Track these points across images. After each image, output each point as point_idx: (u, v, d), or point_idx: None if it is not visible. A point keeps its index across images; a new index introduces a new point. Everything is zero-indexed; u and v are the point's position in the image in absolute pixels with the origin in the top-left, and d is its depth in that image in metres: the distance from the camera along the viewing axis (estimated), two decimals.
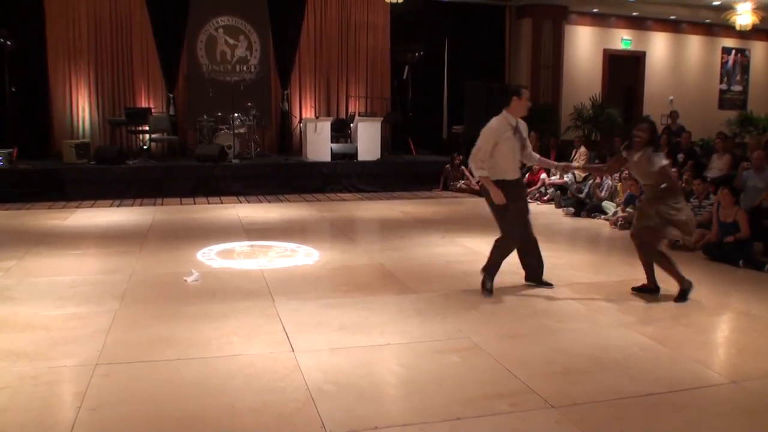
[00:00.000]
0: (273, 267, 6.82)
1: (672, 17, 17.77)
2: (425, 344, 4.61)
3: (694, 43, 18.50)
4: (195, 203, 11.39)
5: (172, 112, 14.22)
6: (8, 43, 12.27)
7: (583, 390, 3.89)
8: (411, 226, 9.34)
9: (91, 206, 10.91)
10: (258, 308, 5.36)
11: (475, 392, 3.84)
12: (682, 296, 5.71)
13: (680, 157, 11.18)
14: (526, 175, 12.35)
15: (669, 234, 5.87)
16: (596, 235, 9.23)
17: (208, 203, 11.39)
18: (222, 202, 11.45)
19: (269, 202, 11.65)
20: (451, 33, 16.03)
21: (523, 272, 6.22)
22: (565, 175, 11.56)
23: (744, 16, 14.65)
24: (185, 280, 6.17)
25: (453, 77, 15.90)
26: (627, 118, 17.31)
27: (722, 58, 18.94)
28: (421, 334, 4.84)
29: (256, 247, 7.76)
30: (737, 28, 15.09)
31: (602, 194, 10.53)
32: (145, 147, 13.59)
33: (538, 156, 6.30)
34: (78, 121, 14.00)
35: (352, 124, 14.24)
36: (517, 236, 5.87)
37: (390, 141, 15.15)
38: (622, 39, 17.65)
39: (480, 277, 5.89)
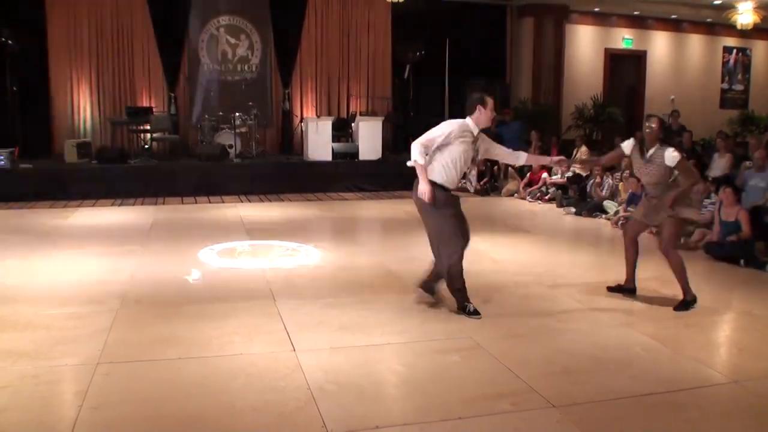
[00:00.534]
0: (274, 266, 6.82)
1: (673, 16, 17.76)
2: (426, 344, 4.61)
3: (696, 42, 18.48)
4: (196, 202, 11.39)
5: (173, 111, 14.22)
6: (10, 42, 12.29)
7: (584, 390, 3.89)
8: (412, 226, 9.30)
9: (93, 205, 10.91)
10: (259, 307, 5.37)
11: (475, 392, 3.84)
12: (685, 305, 5.57)
13: None
14: (527, 175, 12.37)
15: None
16: (597, 235, 9.23)
17: (210, 202, 11.39)
18: (223, 202, 11.45)
19: (270, 201, 11.65)
20: (452, 32, 16.01)
21: (523, 273, 6.22)
22: (565, 174, 11.55)
23: (745, 15, 14.63)
24: (186, 279, 6.17)
25: (454, 77, 15.87)
26: (628, 117, 17.31)
27: (723, 57, 18.93)
28: (422, 333, 4.84)
29: (258, 247, 7.76)
30: (738, 27, 15.07)
31: (603, 193, 10.53)
32: (146, 146, 13.59)
33: (526, 154, 5.75)
34: (79, 120, 14.01)
35: (353, 124, 14.23)
36: (457, 241, 5.18)
37: (391, 140, 15.15)
38: (624, 38, 17.64)
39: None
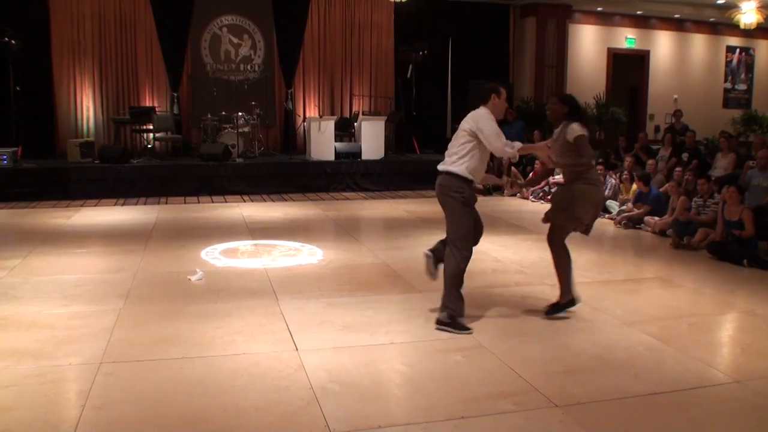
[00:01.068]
0: (277, 266, 6.83)
1: (676, 16, 17.74)
2: (429, 343, 4.61)
3: (699, 41, 18.46)
4: (199, 202, 11.40)
5: (176, 111, 14.23)
6: (13, 42, 12.30)
7: (587, 389, 3.89)
8: (415, 226, 9.33)
9: (96, 205, 10.93)
10: (262, 307, 5.37)
11: (478, 391, 3.84)
12: (556, 308, 5.24)
13: (684, 156, 11.18)
14: (530, 175, 12.35)
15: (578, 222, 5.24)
16: (600, 234, 9.21)
17: (212, 202, 11.40)
18: (226, 201, 11.46)
19: (273, 201, 11.65)
20: (455, 32, 16.03)
21: (526, 272, 6.21)
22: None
23: (748, 15, 14.60)
24: (189, 279, 6.18)
25: (457, 76, 15.89)
26: (631, 117, 17.30)
27: (726, 56, 18.90)
28: (425, 333, 4.84)
29: (260, 246, 7.77)
30: (741, 26, 15.04)
31: (606, 193, 10.52)
32: (149, 146, 13.62)
33: (519, 143, 5.32)
34: (82, 120, 14.02)
35: (356, 123, 14.25)
36: (469, 244, 5.05)
37: (394, 140, 15.15)
38: (626, 38, 17.62)
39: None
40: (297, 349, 4.44)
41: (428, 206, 11.07)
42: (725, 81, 18.96)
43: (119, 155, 12.21)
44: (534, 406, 3.67)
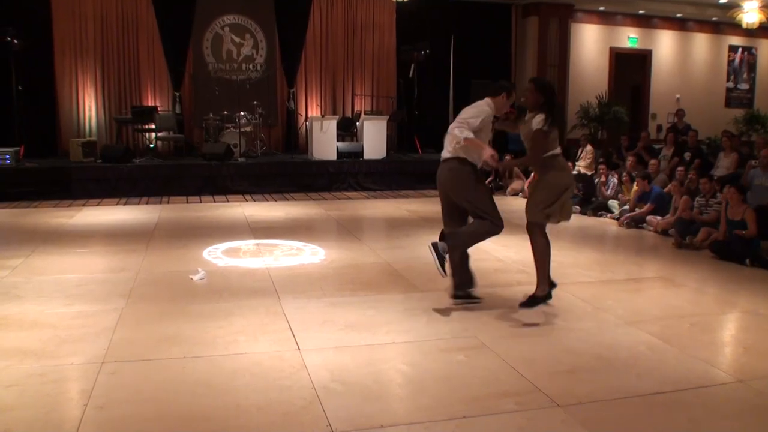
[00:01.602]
0: (279, 265, 6.83)
1: (678, 15, 17.72)
2: (431, 343, 4.61)
3: (701, 41, 18.44)
4: (201, 202, 11.40)
5: (178, 110, 14.24)
6: (15, 41, 12.33)
7: (589, 389, 3.88)
8: (417, 225, 9.33)
9: (98, 204, 10.94)
10: (264, 307, 5.37)
11: (480, 391, 3.84)
12: (532, 302, 5.27)
13: (687, 155, 11.17)
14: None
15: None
16: (602, 234, 9.21)
17: (214, 202, 11.41)
18: (228, 201, 11.47)
19: (275, 200, 11.66)
20: (457, 31, 16.03)
21: (528, 272, 6.20)
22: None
23: (751, 14, 14.59)
24: (191, 279, 6.18)
25: (459, 76, 15.89)
26: (633, 116, 17.29)
27: (729, 56, 18.88)
28: (427, 332, 4.83)
29: (262, 246, 7.77)
30: (744, 26, 15.03)
31: (608, 193, 10.52)
32: (151, 145, 13.64)
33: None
34: (84, 119, 14.04)
35: (358, 123, 14.25)
36: (497, 215, 5.22)
37: (396, 139, 15.17)
38: (629, 37, 17.61)
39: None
40: (299, 349, 4.44)
41: (430, 206, 11.06)
42: (727, 80, 18.94)
43: (121, 155, 12.22)
44: (536, 405, 3.67)
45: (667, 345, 4.63)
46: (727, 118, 17.39)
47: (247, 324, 4.94)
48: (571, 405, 3.66)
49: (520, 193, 12.34)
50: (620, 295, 5.90)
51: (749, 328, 5.26)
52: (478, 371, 4.12)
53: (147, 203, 11.14)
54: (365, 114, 14.56)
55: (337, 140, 13.46)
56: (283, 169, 12.84)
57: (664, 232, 8.73)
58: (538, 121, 5.14)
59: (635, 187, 9.72)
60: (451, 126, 5.14)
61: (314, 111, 15.19)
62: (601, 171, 10.87)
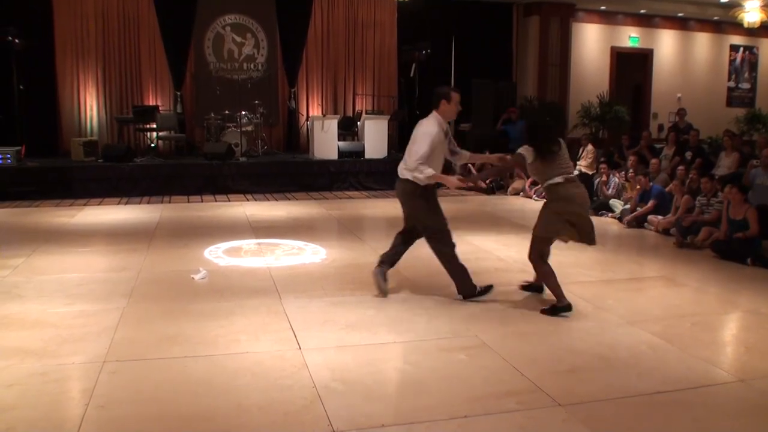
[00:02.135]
0: (280, 265, 6.83)
1: (680, 14, 17.71)
2: (432, 342, 4.61)
3: (702, 40, 18.43)
4: (202, 201, 11.40)
5: (179, 110, 14.24)
6: (16, 41, 12.32)
7: (591, 388, 3.88)
8: None
9: (99, 204, 10.95)
10: (265, 306, 5.37)
11: (482, 390, 3.84)
12: (553, 310, 5.33)
13: (688, 155, 11.16)
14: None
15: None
16: (603, 233, 9.20)
17: (216, 201, 11.41)
18: (229, 200, 11.47)
19: (276, 200, 11.66)
20: (458, 31, 16.02)
21: (529, 271, 6.19)
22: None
23: (752, 14, 14.57)
24: (193, 278, 6.18)
25: (460, 75, 15.87)
26: (635, 116, 17.27)
27: (730, 55, 18.86)
28: (429, 332, 4.84)
29: (264, 245, 7.77)
30: (745, 25, 15.01)
31: (609, 192, 10.51)
32: (152, 145, 13.64)
33: (468, 153, 5.98)
34: (86, 118, 14.04)
35: (359, 122, 14.24)
36: (447, 227, 5.64)
37: (397, 139, 15.14)
38: (630, 36, 17.60)
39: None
40: (300, 348, 4.44)
41: None
42: (729, 80, 18.93)
43: (122, 154, 12.22)
44: (537, 405, 3.67)
45: (668, 344, 4.63)
46: (729, 117, 17.36)
47: (248, 323, 4.94)
48: (573, 404, 3.66)
49: (521, 193, 12.34)
50: (621, 294, 5.90)
51: (750, 327, 5.26)
52: (480, 371, 4.13)
53: (148, 203, 11.15)
54: (366, 113, 14.54)
55: (339, 140, 13.45)
56: (285, 169, 12.83)
57: (665, 232, 8.72)
58: (524, 147, 5.35)
59: (637, 186, 9.72)
60: (408, 160, 5.48)
61: (315, 110, 15.19)
62: (602, 170, 10.86)
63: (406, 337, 4.71)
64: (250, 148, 13.60)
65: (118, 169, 11.90)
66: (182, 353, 4.33)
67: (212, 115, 13.47)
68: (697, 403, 3.74)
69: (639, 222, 9.29)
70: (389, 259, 5.82)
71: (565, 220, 5.30)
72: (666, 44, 18.02)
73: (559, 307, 5.27)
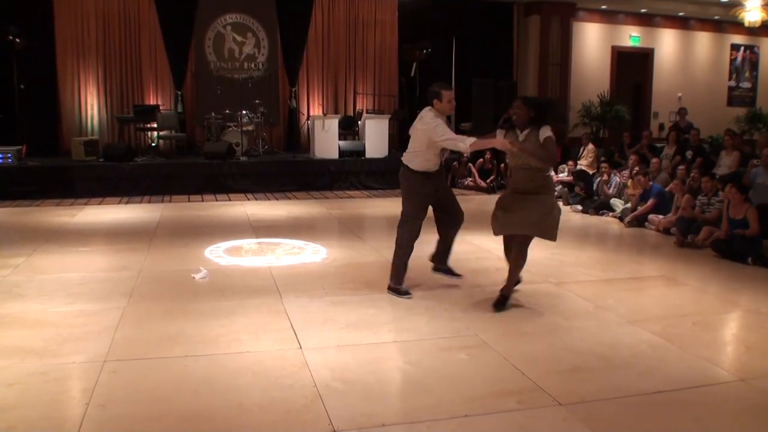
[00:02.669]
0: (281, 264, 6.83)
1: (680, 14, 17.69)
2: (433, 341, 4.61)
3: (703, 39, 18.41)
4: (203, 200, 11.41)
5: (180, 109, 14.24)
6: (17, 40, 12.32)
7: (591, 388, 3.88)
8: None
9: (100, 203, 10.95)
10: (266, 305, 5.38)
11: (482, 390, 3.84)
12: (503, 303, 5.36)
13: (689, 154, 11.16)
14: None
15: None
16: (604, 233, 9.21)
17: (216, 200, 11.41)
18: (230, 200, 11.47)
19: (277, 199, 11.66)
20: (459, 30, 16.00)
21: (529, 270, 6.19)
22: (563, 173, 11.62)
23: (753, 13, 14.54)
24: (193, 277, 6.19)
25: (461, 74, 15.86)
26: (635, 115, 17.26)
27: (731, 54, 18.84)
28: (429, 331, 4.84)
29: (264, 245, 7.77)
30: (746, 24, 14.99)
31: (610, 191, 10.51)
32: (153, 144, 13.63)
33: (472, 138, 5.64)
34: (86, 118, 14.03)
35: (359, 122, 14.24)
36: (420, 220, 5.67)
37: (398, 138, 15.14)
38: (631, 36, 17.58)
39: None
40: (301, 348, 4.44)
41: None
42: (730, 79, 18.90)
43: (123, 153, 12.22)
44: (538, 404, 3.67)
45: (668, 344, 4.63)
46: (729, 116, 17.36)
47: (248, 323, 4.94)
48: (573, 404, 3.66)
49: None
50: (622, 293, 5.90)
51: (751, 326, 5.26)
52: (480, 370, 4.13)
53: (149, 202, 11.15)
54: (367, 113, 14.55)
55: (339, 139, 13.45)
56: (285, 168, 12.84)
57: (665, 231, 8.72)
58: (546, 130, 5.18)
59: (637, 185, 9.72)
60: (436, 138, 5.41)
61: (316, 110, 15.19)
62: (603, 170, 10.86)
63: (406, 337, 4.71)
64: (251, 148, 13.59)
65: (118, 169, 11.90)
66: (183, 353, 4.33)
67: (213, 114, 13.47)
68: (698, 402, 3.74)
69: (639, 221, 9.29)
70: (439, 254, 5.98)
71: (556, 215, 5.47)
72: (667, 43, 18.00)
73: (506, 296, 5.43)
